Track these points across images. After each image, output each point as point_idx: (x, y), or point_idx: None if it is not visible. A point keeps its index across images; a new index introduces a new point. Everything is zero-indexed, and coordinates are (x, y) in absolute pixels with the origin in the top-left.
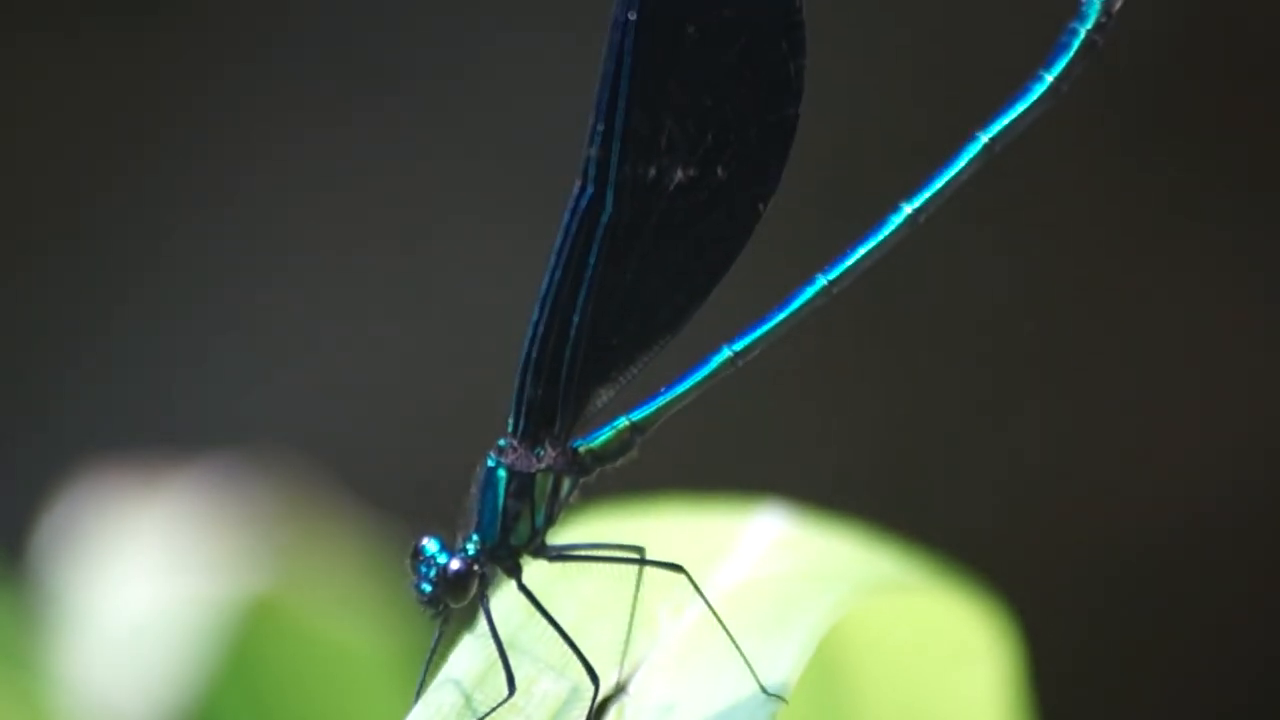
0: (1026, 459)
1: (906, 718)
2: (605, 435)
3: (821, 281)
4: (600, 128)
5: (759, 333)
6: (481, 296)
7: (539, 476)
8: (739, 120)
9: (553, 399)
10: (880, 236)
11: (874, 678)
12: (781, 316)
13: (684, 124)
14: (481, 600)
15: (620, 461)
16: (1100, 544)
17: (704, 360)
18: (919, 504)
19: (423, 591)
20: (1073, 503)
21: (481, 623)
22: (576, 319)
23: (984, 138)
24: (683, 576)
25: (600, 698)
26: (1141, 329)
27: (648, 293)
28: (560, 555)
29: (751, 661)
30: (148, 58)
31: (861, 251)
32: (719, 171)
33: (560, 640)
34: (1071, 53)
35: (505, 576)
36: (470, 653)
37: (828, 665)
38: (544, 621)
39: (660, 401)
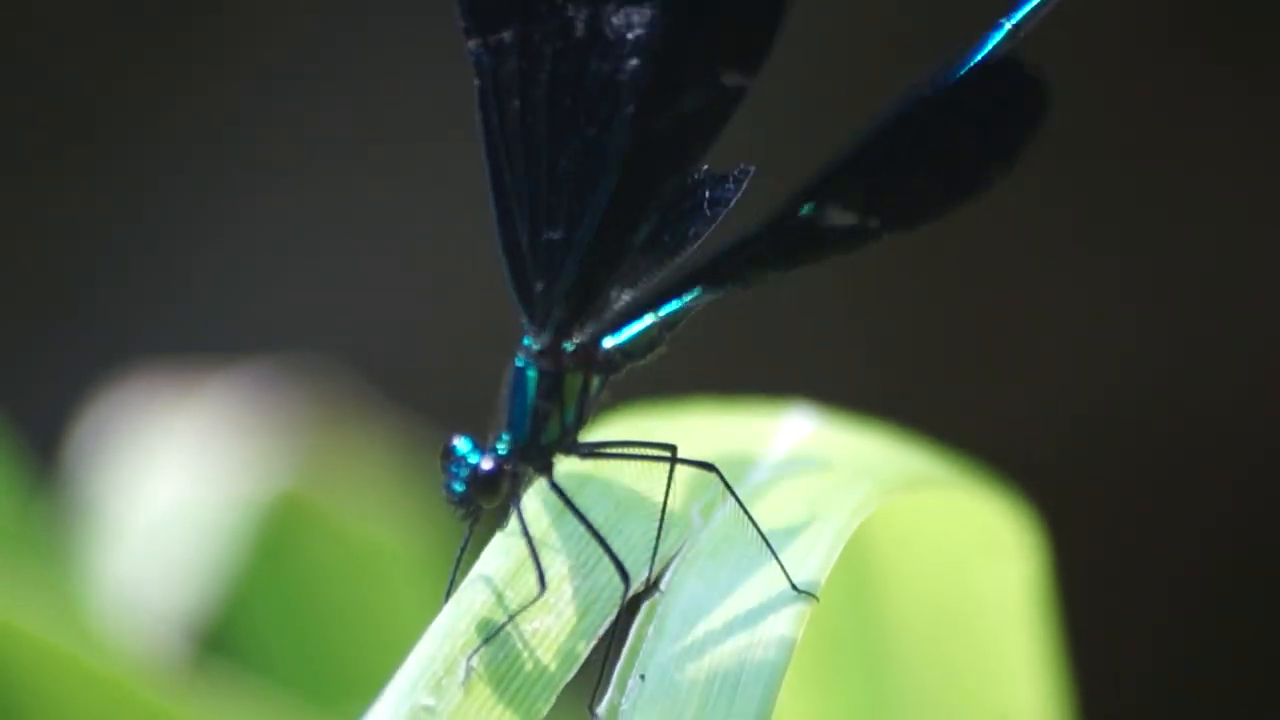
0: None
1: (936, 612)
2: (634, 332)
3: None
4: None
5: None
6: None
7: (568, 377)
8: None
9: (553, 286)
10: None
11: (903, 573)
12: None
13: None
14: (513, 499)
15: (650, 358)
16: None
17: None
18: (945, 413)
19: (454, 491)
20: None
21: (512, 522)
22: (509, 178)
23: None
24: (714, 475)
25: (630, 594)
26: (1200, 233)
27: (571, 154)
28: (592, 452)
29: (782, 559)
30: None
31: None
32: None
33: (591, 540)
34: None
35: (536, 476)
36: (501, 551)
37: (857, 561)
38: (575, 522)
39: (687, 297)
